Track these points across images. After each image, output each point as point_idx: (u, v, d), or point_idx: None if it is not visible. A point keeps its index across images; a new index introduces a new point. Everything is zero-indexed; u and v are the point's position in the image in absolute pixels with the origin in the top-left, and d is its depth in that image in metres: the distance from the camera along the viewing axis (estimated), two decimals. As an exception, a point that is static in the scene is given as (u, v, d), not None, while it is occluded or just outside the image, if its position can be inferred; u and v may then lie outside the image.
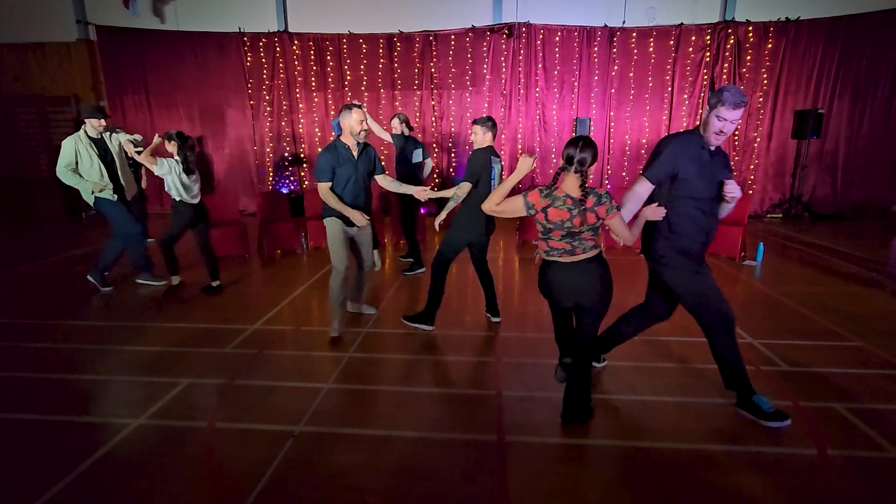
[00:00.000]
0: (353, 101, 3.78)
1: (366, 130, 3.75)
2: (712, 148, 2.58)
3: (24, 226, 9.13)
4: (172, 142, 4.63)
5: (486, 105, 9.31)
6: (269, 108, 9.68)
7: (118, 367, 3.44)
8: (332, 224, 3.77)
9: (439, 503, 2.17)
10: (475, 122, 3.91)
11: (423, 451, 2.52)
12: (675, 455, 2.47)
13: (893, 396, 3.01)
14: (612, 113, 9.22)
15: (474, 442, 2.59)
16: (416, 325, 4.03)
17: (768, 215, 9.29)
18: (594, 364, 3.32)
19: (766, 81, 8.87)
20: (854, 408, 2.87)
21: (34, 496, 2.21)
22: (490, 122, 3.87)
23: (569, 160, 2.45)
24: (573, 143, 2.46)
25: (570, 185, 2.47)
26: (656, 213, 2.64)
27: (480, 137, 3.87)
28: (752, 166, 9.21)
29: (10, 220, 9.41)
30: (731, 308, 2.73)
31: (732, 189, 2.58)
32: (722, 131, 2.48)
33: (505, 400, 2.99)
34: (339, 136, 3.77)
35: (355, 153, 3.74)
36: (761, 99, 8.94)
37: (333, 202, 3.65)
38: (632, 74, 9.00)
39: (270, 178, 9.91)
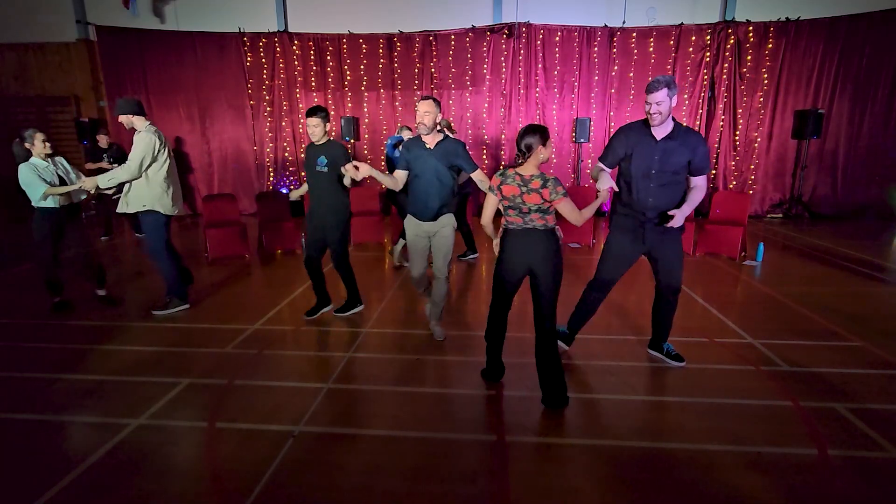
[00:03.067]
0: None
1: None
2: (656, 133, 3.01)
3: (24, 226, 9.12)
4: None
5: (486, 105, 9.31)
6: (269, 108, 9.68)
7: (118, 367, 3.44)
8: (407, 222, 3.66)
9: (439, 503, 2.17)
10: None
11: (424, 451, 2.52)
12: (676, 455, 2.47)
13: (893, 396, 3.00)
14: (612, 113, 9.21)
15: (474, 442, 2.59)
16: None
17: (768, 215, 9.29)
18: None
19: (766, 81, 8.87)
20: (854, 408, 2.87)
21: (34, 496, 2.21)
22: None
23: (519, 147, 2.77)
24: (520, 132, 2.78)
25: (524, 167, 2.77)
26: (604, 194, 2.96)
27: None
28: (752, 166, 9.21)
29: (10, 220, 9.41)
30: (608, 277, 3.32)
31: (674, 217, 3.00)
32: (650, 112, 2.94)
33: (505, 400, 2.99)
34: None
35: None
36: (762, 99, 8.95)
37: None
38: (632, 74, 9.00)
39: (270, 178, 9.91)
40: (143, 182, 4.16)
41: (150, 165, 4.12)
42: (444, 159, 3.44)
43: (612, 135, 3.17)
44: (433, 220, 3.52)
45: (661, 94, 2.86)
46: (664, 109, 2.89)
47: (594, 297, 3.47)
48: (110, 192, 4.52)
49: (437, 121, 4.16)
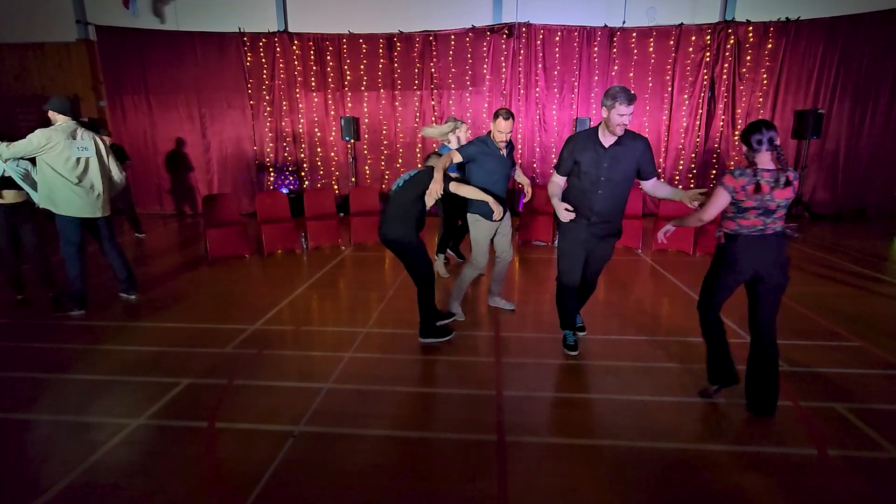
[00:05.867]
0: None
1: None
2: (604, 141, 3.11)
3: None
4: None
5: (486, 105, 9.31)
6: (269, 108, 9.68)
7: (118, 367, 3.44)
8: (477, 220, 3.95)
9: (439, 503, 2.17)
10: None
11: (424, 451, 2.52)
12: (675, 455, 2.47)
13: (893, 396, 3.01)
14: (612, 113, 9.19)
15: (474, 442, 2.59)
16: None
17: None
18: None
19: (765, 81, 8.87)
20: (854, 408, 2.87)
21: (34, 496, 2.21)
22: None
23: (759, 143, 2.51)
24: (758, 128, 2.52)
25: (767, 161, 2.54)
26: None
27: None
28: (752, 166, 9.20)
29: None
30: (571, 275, 3.39)
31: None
32: (621, 124, 2.97)
33: (505, 400, 2.99)
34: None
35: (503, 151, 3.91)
36: (761, 99, 8.94)
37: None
38: (632, 74, 8.99)
39: (271, 178, 9.91)
40: (51, 180, 4.20)
41: (45, 163, 4.14)
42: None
43: (564, 148, 3.29)
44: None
45: (633, 107, 2.94)
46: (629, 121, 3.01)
47: (572, 305, 3.57)
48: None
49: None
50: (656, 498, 2.19)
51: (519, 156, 9.42)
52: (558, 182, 3.34)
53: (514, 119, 3.81)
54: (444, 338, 3.81)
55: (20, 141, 4.08)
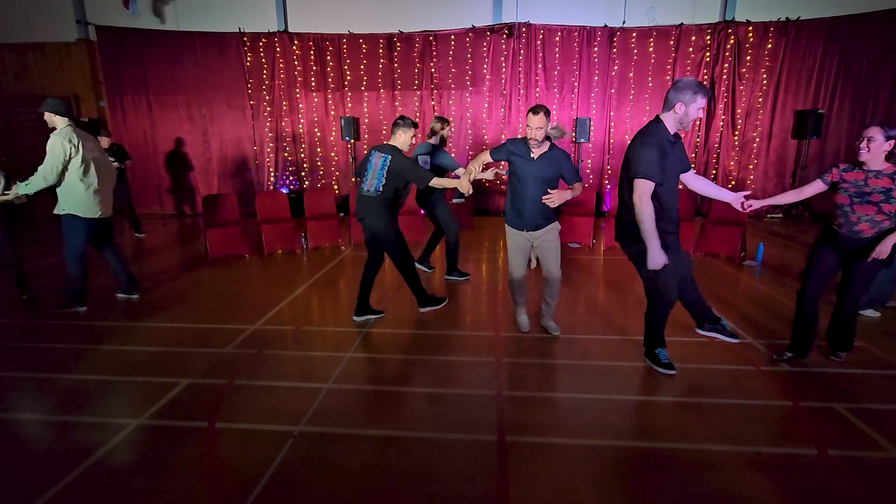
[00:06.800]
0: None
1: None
2: (672, 138, 2.91)
3: (25, 226, 9.12)
4: None
5: (486, 105, 9.31)
6: (269, 108, 9.68)
7: (118, 367, 3.44)
8: (506, 227, 3.75)
9: (439, 503, 2.17)
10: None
11: (424, 451, 2.52)
12: (675, 455, 2.47)
13: (893, 396, 3.01)
14: (612, 113, 9.21)
15: (474, 442, 2.59)
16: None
17: (768, 215, 9.29)
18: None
19: (765, 81, 8.87)
20: (854, 408, 2.87)
21: (34, 496, 2.21)
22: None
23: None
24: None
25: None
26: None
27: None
28: (750, 166, 9.21)
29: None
30: (672, 290, 3.06)
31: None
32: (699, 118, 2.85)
33: (505, 400, 2.99)
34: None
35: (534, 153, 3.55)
36: (761, 99, 8.94)
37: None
38: (632, 74, 9.00)
39: (271, 179, 9.91)
40: (72, 184, 4.17)
41: (64, 170, 4.12)
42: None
43: (649, 150, 2.78)
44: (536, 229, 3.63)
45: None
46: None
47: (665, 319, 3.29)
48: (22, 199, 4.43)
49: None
50: (656, 498, 2.19)
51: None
52: (648, 199, 2.81)
53: (545, 113, 3.36)
54: (441, 304, 4.32)
55: (47, 163, 4.02)
